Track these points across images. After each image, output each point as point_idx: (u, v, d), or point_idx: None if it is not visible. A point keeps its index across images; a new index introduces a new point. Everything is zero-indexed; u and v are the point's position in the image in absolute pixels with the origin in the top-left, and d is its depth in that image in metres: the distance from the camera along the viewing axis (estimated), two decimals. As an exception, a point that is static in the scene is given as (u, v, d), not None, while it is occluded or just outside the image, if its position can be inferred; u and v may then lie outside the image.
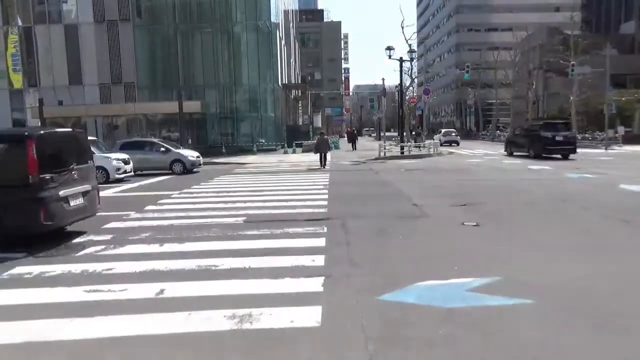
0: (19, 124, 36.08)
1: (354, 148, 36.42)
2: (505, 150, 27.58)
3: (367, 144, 45.28)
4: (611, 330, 3.78)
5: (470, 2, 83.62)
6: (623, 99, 37.53)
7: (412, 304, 4.39)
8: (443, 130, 44.10)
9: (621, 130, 35.07)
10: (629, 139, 35.32)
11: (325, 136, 24.29)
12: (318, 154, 21.35)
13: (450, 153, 29.49)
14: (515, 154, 25.75)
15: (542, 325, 3.87)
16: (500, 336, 3.71)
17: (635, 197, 10.59)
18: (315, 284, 4.95)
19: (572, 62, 33.57)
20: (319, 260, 5.84)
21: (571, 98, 36.50)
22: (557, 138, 23.22)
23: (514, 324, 3.92)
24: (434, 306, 4.31)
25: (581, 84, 36.26)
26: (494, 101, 56.31)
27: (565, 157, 23.13)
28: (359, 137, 44.24)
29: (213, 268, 5.64)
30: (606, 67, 31.93)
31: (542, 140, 23.31)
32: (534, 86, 47.82)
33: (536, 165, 19.00)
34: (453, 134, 41.45)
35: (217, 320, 4.09)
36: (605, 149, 30.11)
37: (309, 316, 4.13)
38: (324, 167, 20.69)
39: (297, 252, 6.21)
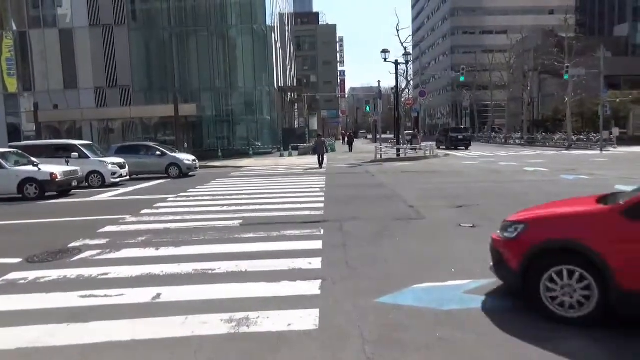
0: (13, 129, 35.99)
1: (350, 150, 37.00)
2: (436, 146, 35.39)
3: (364, 147, 45.30)
4: (608, 329, 3.78)
5: (465, 5, 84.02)
6: (617, 100, 37.75)
7: (409, 306, 4.38)
8: (406, 132, 51.01)
9: (616, 131, 35.20)
10: (624, 141, 35.50)
11: (323, 138, 25.79)
12: (316, 155, 23.09)
13: (446, 155, 29.55)
14: (440, 147, 36.58)
15: (539, 327, 3.86)
16: (497, 338, 3.70)
17: (631, 198, 10.61)
18: (312, 287, 4.94)
19: (566, 64, 33.72)
20: (316, 262, 5.82)
21: (566, 99, 36.65)
22: (459, 137, 37.81)
23: (511, 325, 3.91)
24: (431, 308, 4.30)
25: (576, 85, 36.41)
26: (490, 103, 56.48)
27: (466, 148, 36.45)
28: (355, 140, 45.52)
29: (210, 272, 5.62)
30: (600, 68, 32.11)
31: (451, 138, 37.85)
32: (529, 88, 47.98)
33: (530, 167, 19.08)
34: (324, 138, 52.02)
35: (214, 324, 4.07)
36: (601, 150, 30.26)
37: (307, 319, 4.12)
38: (321, 168, 21.93)
39: (294, 254, 6.20)
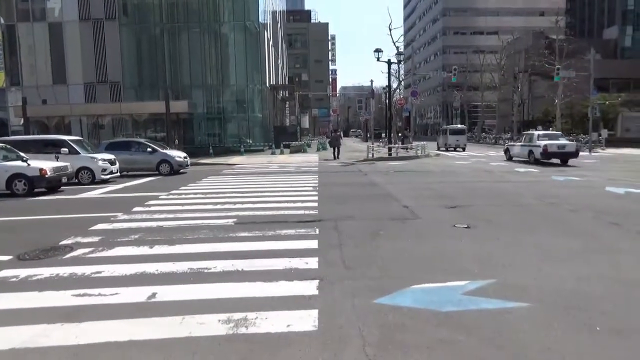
0: (0, 123, 35.47)
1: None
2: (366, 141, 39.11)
3: (355, 145, 45.36)
4: (607, 333, 3.79)
5: (456, 6, 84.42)
6: (606, 102, 38.16)
7: (409, 307, 4.36)
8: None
9: (604, 133, 35.65)
10: (612, 142, 35.94)
11: (339, 133, 31.23)
12: (331, 148, 28.07)
13: (438, 155, 29.66)
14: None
15: (538, 328, 3.87)
16: (498, 340, 3.69)
17: (622, 200, 10.73)
18: (310, 287, 4.90)
19: (557, 66, 34.00)
20: (313, 262, 5.79)
21: (556, 101, 36.97)
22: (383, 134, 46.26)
23: (511, 327, 3.91)
24: (431, 310, 4.28)
25: (566, 87, 36.74)
26: (480, 104, 56.81)
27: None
28: (345, 138, 46.82)
29: (205, 271, 5.55)
30: (590, 71, 32.42)
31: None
32: (519, 89, 48.33)
33: (522, 168, 19.22)
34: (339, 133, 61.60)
35: (212, 325, 4.02)
36: (589, 151, 30.57)
37: (306, 320, 4.08)
38: (336, 159, 26.20)
39: (290, 254, 6.15)
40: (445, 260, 5.84)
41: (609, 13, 63.23)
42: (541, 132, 24.08)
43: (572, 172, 17.09)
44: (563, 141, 21.91)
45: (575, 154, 21.38)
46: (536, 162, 21.56)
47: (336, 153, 27.16)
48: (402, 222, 8.33)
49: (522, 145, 23.37)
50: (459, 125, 40.92)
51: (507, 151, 25.40)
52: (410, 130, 40.89)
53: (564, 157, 21.44)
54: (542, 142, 21.29)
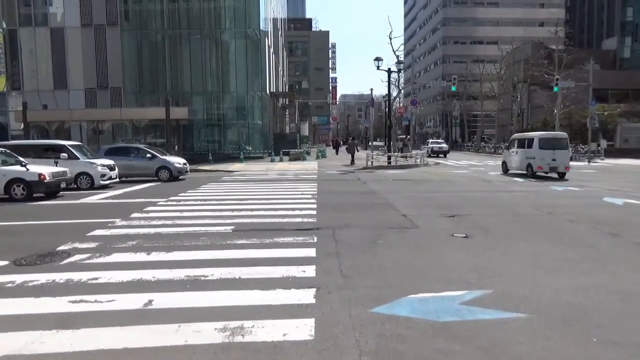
0: (0, 128, 35.51)
1: (337, 153, 42.70)
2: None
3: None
4: (604, 344, 3.78)
5: (457, 15, 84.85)
6: (605, 113, 38.29)
7: (406, 317, 4.35)
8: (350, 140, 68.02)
9: (603, 143, 35.73)
10: (611, 153, 36.04)
11: (355, 141, 35.20)
12: (349, 155, 30.54)
13: (437, 164, 29.70)
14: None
15: (535, 339, 3.85)
16: (494, 350, 3.68)
17: (620, 210, 10.73)
18: (307, 296, 4.89)
19: (556, 76, 34.14)
20: (310, 271, 5.78)
21: (555, 111, 37.08)
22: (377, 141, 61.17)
23: (509, 338, 3.90)
24: (428, 319, 4.27)
25: (565, 97, 36.88)
26: (479, 113, 56.96)
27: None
28: (344, 146, 48.11)
29: (202, 278, 5.54)
30: (589, 81, 32.57)
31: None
32: (518, 99, 48.49)
33: (520, 178, 19.24)
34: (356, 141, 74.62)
35: (208, 333, 4.00)
36: (588, 162, 30.62)
37: (302, 329, 4.06)
38: (351, 164, 27.62)
39: (288, 262, 6.14)
40: (443, 270, 5.83)
41: (608, 24, 63.62)
42: (434, 140, 45.33)
43: (570, 182, 17.11)
44: (441, 145, 41.97)
45: (448, 152, 41.41)
46: (430, 156, 36.80)
47: (352, 159, 29.13)
48: (400, 231, 8.32)
49: (425, 147, 40.69)
50: (407, 136, 58.56)
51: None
52: (409, 139, 40.98)
53: (443, 153, 40.10)
54: (431, 145, 41.19)
